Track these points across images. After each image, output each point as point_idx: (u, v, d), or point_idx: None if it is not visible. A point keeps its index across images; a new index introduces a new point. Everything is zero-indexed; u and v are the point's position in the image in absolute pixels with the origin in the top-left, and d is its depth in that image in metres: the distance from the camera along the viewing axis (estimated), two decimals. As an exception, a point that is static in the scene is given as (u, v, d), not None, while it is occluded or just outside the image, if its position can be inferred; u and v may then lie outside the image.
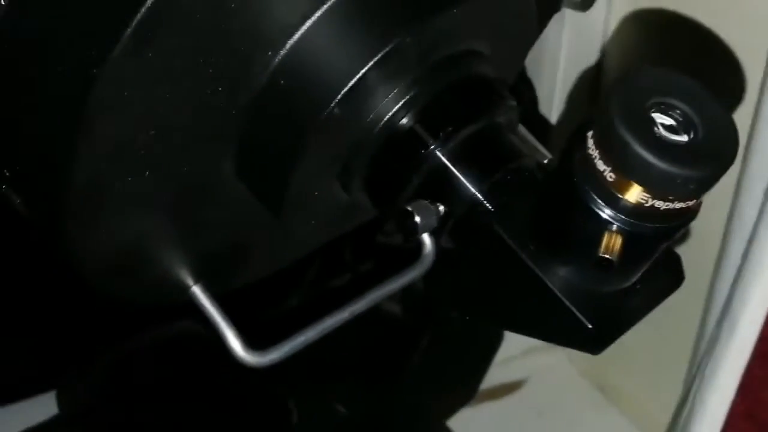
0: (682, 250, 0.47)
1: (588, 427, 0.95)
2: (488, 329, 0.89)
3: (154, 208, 0.47)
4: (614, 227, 0.41)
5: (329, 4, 0.44)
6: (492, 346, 0.91)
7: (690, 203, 0.40)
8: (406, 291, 0.60)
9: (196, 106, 0.44)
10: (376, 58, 0.44)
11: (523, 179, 0.47)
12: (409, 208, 0.46)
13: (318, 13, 0.44)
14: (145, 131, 0.43)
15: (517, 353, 0.95)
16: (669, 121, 0.39)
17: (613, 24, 0.76)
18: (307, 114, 0.45)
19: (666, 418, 0.84)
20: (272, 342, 0.51)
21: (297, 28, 0.44)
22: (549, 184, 0.46)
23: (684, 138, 0.39)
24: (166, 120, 0.44)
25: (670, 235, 0.42)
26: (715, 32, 0.67)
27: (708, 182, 0.39)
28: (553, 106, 0.82)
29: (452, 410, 0.88)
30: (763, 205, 0.63)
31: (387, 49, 0.44)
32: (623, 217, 0.40)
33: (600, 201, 0.40)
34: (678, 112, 0.40)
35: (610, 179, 0.40)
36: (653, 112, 0.39)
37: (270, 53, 0.44)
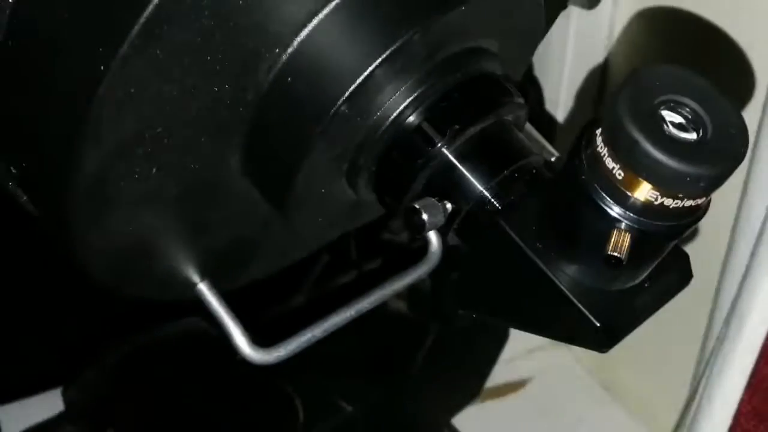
0: (689, 248, 0.47)
1: (593, 425, 0.95)
2: (494, 327, 0.89)
3: (161, 205, 0.47)
4: (623, 225, 0.40)
5: (337, 1, 0.44)
6: (498, 344, 0.91)
7: (699, 201, 0.40)
8: (413, 289, 0.60)
9: (203, 103, 0.44)
10: (383, 56, 0.44)
11: (531, 177, 0.47)
12: (417, 206, 0.45)
13: (326, 11, 0.44)
14: (153, 128, 0.43)
15: (523, 352, 0.95)
16: (678, 119, 0.39)
17: (620, 22, 0.75)
18: (314, 111, 0.45)
19: (673, 417, 0.84)
20: (278, 339, 0.51)
21: (305, 25, 0.44)
22: (557, 182, 0.45)
23: (693, 135, 0.39)
24: (174, 117, 0.44)
25: (678, 233, 0.42)
26: (722, 30, 0.67)
27: (718, 180, 0.39)
28: (559, 104, 0.82)
29: (457, 408, 0.88)
30: (770, 203, 0.63)
31: (395, 46, 0.44)
32: (632, 215, 0.40)
33: (608, 199, 0.40)
34: (687, 109, 0.39)
35: (619, 177, 0.40)
36: (662, 110, 0.39)
37: (278, 50, 0.44)
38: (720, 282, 0.71)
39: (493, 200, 0.46)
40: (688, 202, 0.40)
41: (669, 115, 0.39)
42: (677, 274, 0.47)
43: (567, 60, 0.79)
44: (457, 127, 0.46)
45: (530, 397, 0.95)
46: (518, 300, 0.47)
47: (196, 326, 0.68)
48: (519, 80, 0.55)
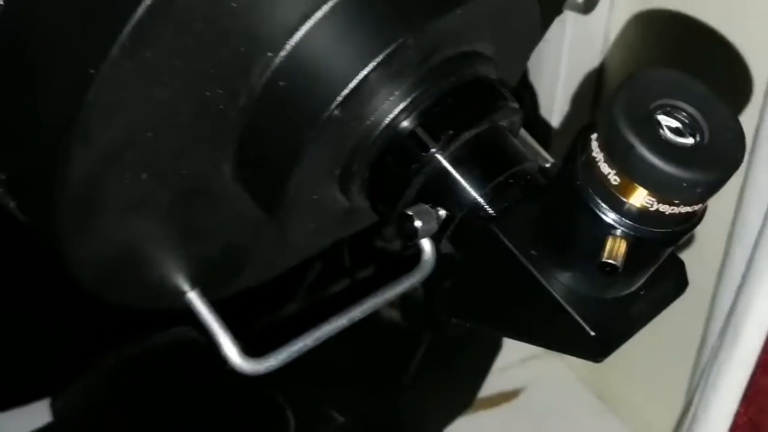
0: (684, 256, 0.47)
1: (587, 435, 0.94)
2: (488, 336, 0.89)
3: (151, 211, 0.47)
4: (618, 232, 0.40)
5: (330, 4, 0.43)
6: (491, 353, 0.91)
7: (695, 207, 0.40)
8: (405, 297, 0.59)
9: (194, 107, 0.44)
10: (377, 60, 0.44)
11: (526, 183, 0.46)
12: (409, 212, 0.45)
13: (319, 14, 0.44)
14: (143, 133, 0.43)
15: (517, 361, 0.95)
16: (675, 124, 0.39)
17: (615, 26, 0.75)
18: (306, 116, 0.44)
19: (668, 428, 0.84)
20: (269, 349, 0.51)
21: (297, 29, 0.44)
22: (552, 188, 0.45)
23: (690, 140, 0.39)
24: (164, 121, 0.43)
25: (674, 240, 0.41)
26: (718, 35, 0.67)
27: (715, 186, 0.38)
28: (554, 109, 0.82)
29: (450, 418, 0.88)
30: (767, 211, 0.63)
31: (388, 50, 0.44)
32: (627, 221, 0.40)
33: (604, 205, 0.40)
34: (684, 114, 0.39)
35: (615, 182, 0.39)
36: (659, 114, 0.39)
37: (270, 54, 0.44)
38: (716, 290, 0.71)
39: (487, 207, 0.46)
40: (685, 209, 0.39)
41: (665, 120, 0.39)
42: (673, 282, 0.46)
43: (562, 65, 0.79)
44: (451, 132, 0.46)
45: (524, 407, 0.94)
46: (512, 308, 0.47)
47: (186, 335, 0.67)
48: (514, 85, 0.55)
